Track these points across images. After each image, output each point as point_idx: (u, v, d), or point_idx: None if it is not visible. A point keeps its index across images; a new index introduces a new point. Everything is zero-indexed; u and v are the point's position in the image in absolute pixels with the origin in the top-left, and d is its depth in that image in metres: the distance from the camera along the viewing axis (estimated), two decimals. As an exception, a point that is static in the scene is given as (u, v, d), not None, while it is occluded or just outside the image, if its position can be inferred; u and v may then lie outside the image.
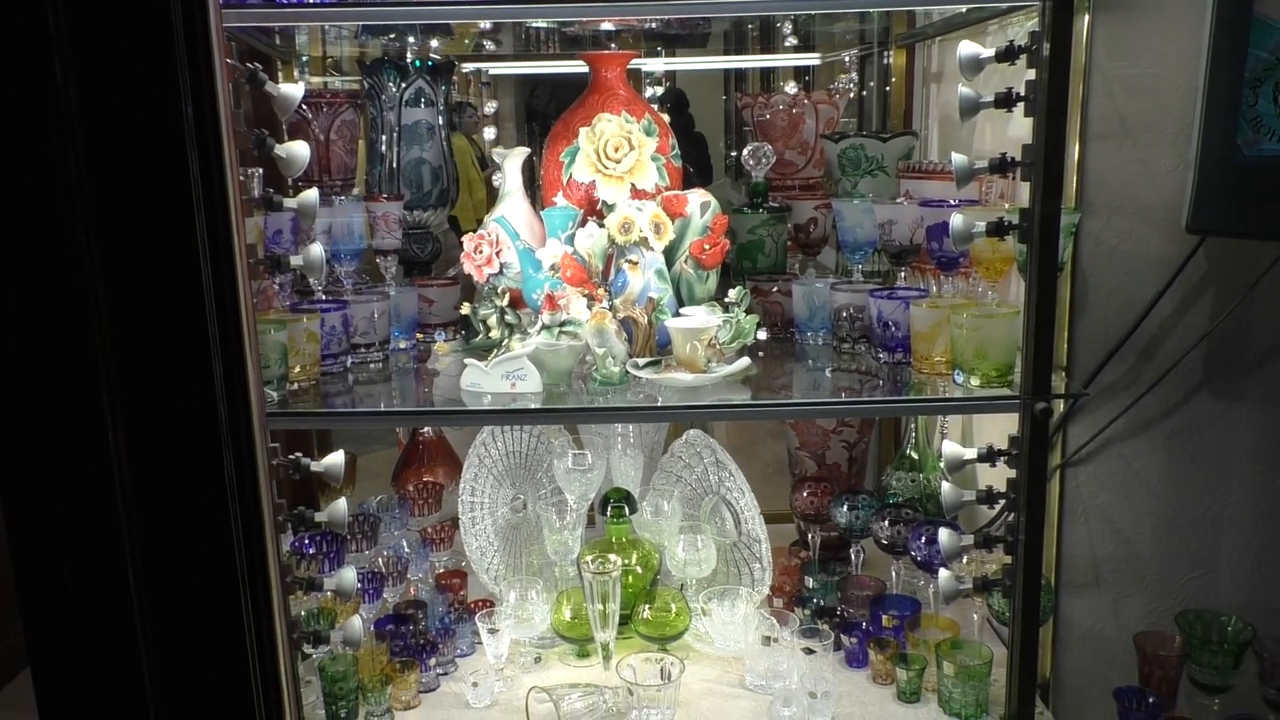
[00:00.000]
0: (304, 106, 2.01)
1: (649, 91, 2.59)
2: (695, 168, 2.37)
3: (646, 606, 1.90)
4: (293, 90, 1.54)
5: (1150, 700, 1.64)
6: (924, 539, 1.81)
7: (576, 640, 1.88)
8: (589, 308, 1.74)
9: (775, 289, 1.97)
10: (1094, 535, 1.72)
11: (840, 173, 2.11)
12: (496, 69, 2.63)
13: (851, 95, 2.51)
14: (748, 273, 2.04)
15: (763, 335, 1.89)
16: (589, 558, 1.81)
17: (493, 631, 1.82)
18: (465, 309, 1.86)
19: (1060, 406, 1.66)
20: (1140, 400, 1.67)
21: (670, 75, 2.65)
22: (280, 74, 2.28)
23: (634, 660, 1.72)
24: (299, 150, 1.53)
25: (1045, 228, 1.44)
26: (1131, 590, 1.74)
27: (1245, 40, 1.43)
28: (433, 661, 1.82)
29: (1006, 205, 1.71)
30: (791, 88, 2.34)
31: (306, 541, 1.89)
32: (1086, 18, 1.60)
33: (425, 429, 2.21)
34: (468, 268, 1.90)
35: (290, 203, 1.58)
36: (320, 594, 1.66)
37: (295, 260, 1.61)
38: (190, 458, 1.16)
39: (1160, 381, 1.66)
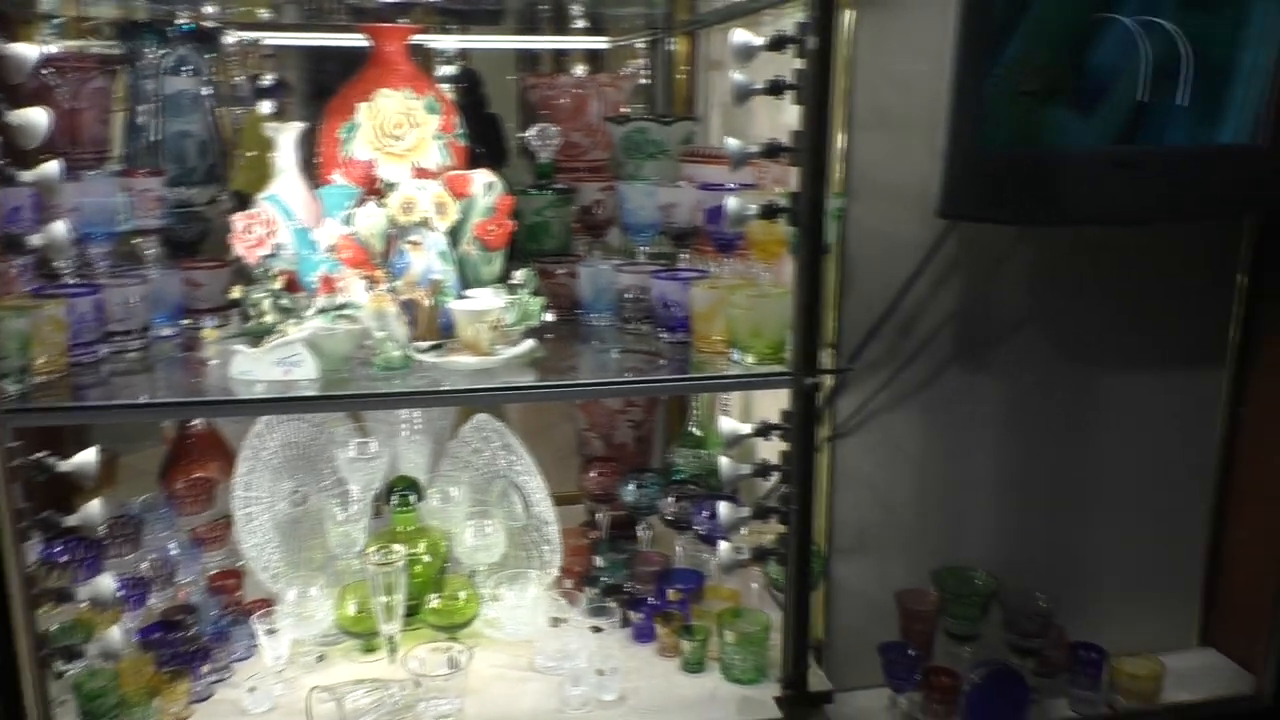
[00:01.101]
0: (48, 72, 1.84)
1: (442, 71, 2.53)
2: (488, 149, 2.33)
3: (435, 596, 1.87)
4: (26, 51, 1.40)
5: (911, 652, 1.76)
6: (706, 513, 1.87)
7: (362, 635, 1.83)
8: (369, 290, 1.69)
9: (561, 270, 1.98)
10: (860, 502, 1.83)
11: (624, 156, 2.13)
12: (278, 39, 2.49)
13: (642, 80, 2.55)
14: (534, 254, 2.03)
15: (550, 317, 1.88)
16: (372, 549, 1.76)
17: (271, 632, 1.74)
18: (236, 292, 1.76)
19: (828, 382, 1.75)
20: (899, 375, 1.79)
21: (465, 54, 2.59)
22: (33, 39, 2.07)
23: (421, 651, 1.69)
24: (36, 118, 1.39)
25: (812, 211, 1.51)
26: (894, 552, 1.86)
27: (989, 41, 1.55)
28: (206, 669, 1.71)
29: (779, 190, 1.78)
30: (579, 70, 2.34)
31: (59, 548, 1.74)
32: (852, 13, 1.68)
33: (194, 421, 2.08)
34: (239, 249, 1.79)
35: (28, 176, 1.44)
36: (75, 605, 1.53)
37: (36, 240, 1.47)
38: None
39: (915, 357, 1.79)
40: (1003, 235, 1.78)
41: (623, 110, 2.24)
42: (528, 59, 2.84)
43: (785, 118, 1.56)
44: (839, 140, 1.67)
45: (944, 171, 1.59)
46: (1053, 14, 1.55)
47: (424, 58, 2.37)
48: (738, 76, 1.50)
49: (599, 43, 2.74)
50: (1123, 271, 1.84)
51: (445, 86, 2.07)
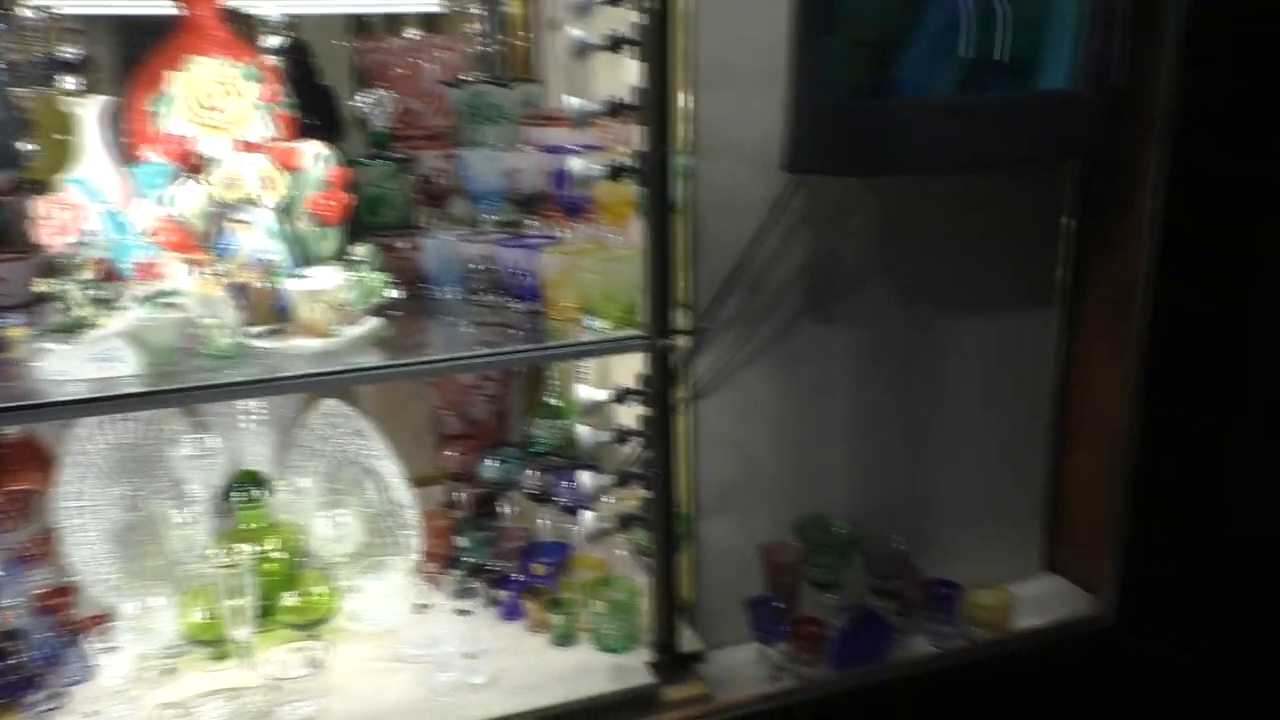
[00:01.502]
0: None
1: (266, 39, 2.38)
2: (323, 121, 2.21)
3: (291, 593, 1.78)
4: None
5: (777, 605, 1.78)
6: (568, 484, 1.84)
7: (212, 643, 1.72)
8: (193, 275, 1.58)
9: (404, 244, 1.89)
10: (722, 461, 1.82)
11: (464, 121, 2.05)
12: (78, 7, 2.28)
13: (480, 43, 2.46)
14: (374, 228, 1.93)
15: (394, 293, 1.80)
16: (217, 551, 1.66)
17: (110, 650, 1.61)
18: (43, 285, 1.61)
19: (684, 343, 1.73)
20: (753, 332, 1.79)
21: (291, 22, 2.44)
22: None
23: (278, 653, 1.60)
24: None
25: (658, 170, 1.48)
26: (758, 507, 1.87)
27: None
28: (36, 697, 1.58)
29: (624, 150, 1.74)
30: (411, 33, 2.24)
31: None
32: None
33: (5, 429, 1.91)
34: (42, 238, 1.64)
35: None
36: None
37: None
38: None
39: (769, 313, 1.79)
40: (847, 189, 1.80)
41: (460, 76, 2.16)
42: (358, 24, 2.71)
43: (627, 76, 1.53)
44: (683, 97, 1.65)
45: (786, 126, 1.59)
46: (884, -34, 1.57)
47: (247, 27, 2.23)
48: (575, 32, 1.45)
49: (432, 6, 2.63)
50: (960, 220, 1.90)
51: (270, 57, 1.94)
